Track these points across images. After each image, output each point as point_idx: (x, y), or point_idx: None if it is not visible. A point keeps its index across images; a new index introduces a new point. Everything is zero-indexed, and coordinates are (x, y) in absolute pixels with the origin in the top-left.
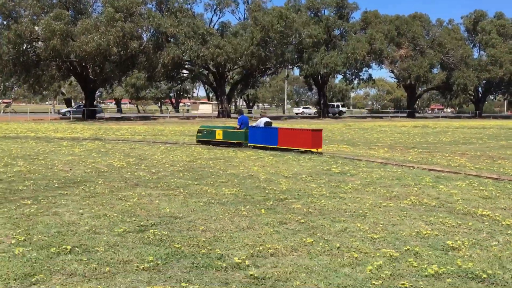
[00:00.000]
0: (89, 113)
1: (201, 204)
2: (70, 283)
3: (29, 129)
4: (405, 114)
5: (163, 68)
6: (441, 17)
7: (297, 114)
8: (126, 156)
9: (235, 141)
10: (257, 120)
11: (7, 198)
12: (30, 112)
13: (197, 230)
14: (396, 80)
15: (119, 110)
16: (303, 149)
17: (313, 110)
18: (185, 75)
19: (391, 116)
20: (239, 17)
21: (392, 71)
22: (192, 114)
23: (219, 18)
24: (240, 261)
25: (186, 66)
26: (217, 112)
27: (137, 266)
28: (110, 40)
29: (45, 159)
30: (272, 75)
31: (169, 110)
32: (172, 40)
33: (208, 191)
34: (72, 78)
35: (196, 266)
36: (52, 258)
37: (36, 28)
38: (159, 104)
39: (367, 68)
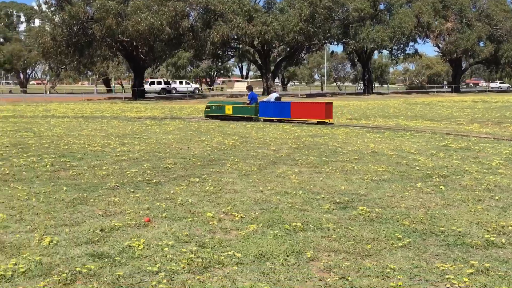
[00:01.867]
0: (140, 93)
1: (369, 181)
2: (333, 260)
3: (95, 109)
4: (448, 89)
5: (212, 47)
6: None
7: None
8: (225, 135)
9: (245, 116)
10: (268, 95)
11: (168, 176)
12: (74, 93)
13: (398, 207)
14: (440, 54)
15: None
16: (315, 120)
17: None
18: (230, 53)
19: (436, 91)
20: None
21: (437, 45)
22: (235, 92)
23: None
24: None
25: (232, 44)
26: (262, 90)
27: (393, 244)
28: (163, 19)
29: (150, 138)
30: (317, 51)
31: (202, 88)
32: (219, 18)
33: (356, 168)
34: (120, 58)
35: (447, 244)
36: (292, 234)
37: (88, 8)
38: (199, 83)
39: (413, 43)
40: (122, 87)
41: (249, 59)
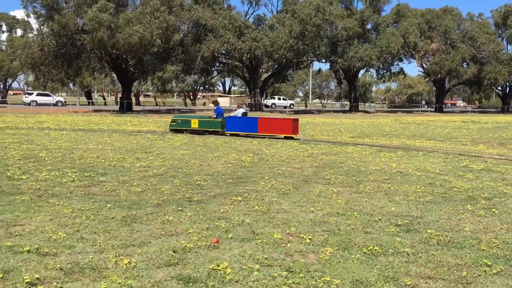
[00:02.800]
0: (127, 106)
1: (415, 202)
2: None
3: (88, 121)
4: (431, 109)
5: (202, 61)
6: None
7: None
8: (237, 151)
9: (211, 129)
10: (234, 111)
11: (206, 194)
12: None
13: (463, 231)
14: (424, 74)
15: (138, 103)
16: (282, 136)
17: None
18: (219, 68)
19: (421, 111)
20: (272, 10)
21: (422, 65)
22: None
23: (254, 11)
24: None
25: (221, 59)
26: (249, 106)
27: (486, 271)
28: (154, 31)
29: (163, 153)
30: (304, 69)
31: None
32: (210, 33)
33: (393, 188)
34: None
35: None
36: (373, 259)
37: (78, 19)
38: (183, 97)
39: (398, 62)
40: (104, 99)
41: (238, 74)
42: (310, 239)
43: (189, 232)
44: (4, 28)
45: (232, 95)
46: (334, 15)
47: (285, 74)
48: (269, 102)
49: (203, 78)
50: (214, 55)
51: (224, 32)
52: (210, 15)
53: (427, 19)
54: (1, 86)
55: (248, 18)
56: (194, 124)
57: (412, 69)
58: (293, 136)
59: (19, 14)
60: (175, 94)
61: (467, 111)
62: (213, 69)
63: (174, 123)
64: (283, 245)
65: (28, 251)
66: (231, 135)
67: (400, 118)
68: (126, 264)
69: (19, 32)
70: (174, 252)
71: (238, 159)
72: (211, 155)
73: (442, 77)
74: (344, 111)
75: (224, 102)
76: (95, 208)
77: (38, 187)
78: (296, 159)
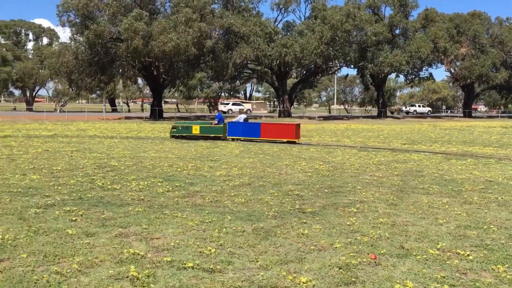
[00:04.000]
0: (159, 113)
1: None
2: None
3: (129, 129)
4: (458, 114)
5: (233, 68)
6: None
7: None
8: (301, 158)
9: (212, 135)
10: (236, 117)
11: (313, 204)
12: (84, 111)
13: None
14: (448, 79)
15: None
16: (285, 140)
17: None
18: (247, 74)
19: (450, 116)
20: (300, 16)
21: (450, 70)
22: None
23: (283, 17)
24: None
25: (250, 65)
26: (277, 112)
27: None
28: (188, 39)
29: (230, 161)
30: (333, 74)
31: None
32: (241, 40)
33: (500, 199)
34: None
35: None
36: None
37: (113, 28)
38: (209, 104)
39: (427, 67)
40: (128, 106)
41: (266, 80)
42: (468, 255)
43: (336, 247)
44: (30, 37)
45: (254, 101)
46: (364, 20)
47: (312, 80)
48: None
49: (229, 84)
50: (245, 62)
51: (255, 38)
52: (241, 21)
53: (456, 23)
54: (27, 93)
55: (277, 25)
56: (195, 130)
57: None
58: (296, 140)
59: (43, 22)
60: (196, 101)
61: (497, 116)
62: (242, 75)
63: (175, 130)
64: (446, 261)
65: (192, 268)
66: (233, 139)
67: (436, 124)
68: (305, 283)
69: (45, 40)
70: (340, 268)
71: (312, 167)
72: (281, 163)
73: (471, 82)
74: (372, 117)
75: (247, 107)
76: (217, 220)
77: (141, 197)
78: (369, 167)
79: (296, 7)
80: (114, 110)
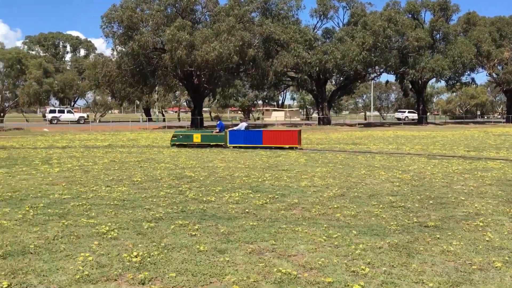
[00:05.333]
0: (200, 122)
1: None
2: None
3: None
4: (502, 120)
5: (273, 76)
6: None
7: (399, 119)
8: (374, 167)
9: (214, 143)
10: (237, 125)
11: (430, 217)
12: (121, 121)
13: None
14: (487, 84)
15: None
16: (287, 146)
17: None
18: (287, 82)
19: (493, 122)
20: (338, 23)
21: (491, 75)
22: (271, 121)
23: (322, 24)
24: None
25: (289, 73)
26: (317, 119)
27: None
28: (231, 48)
29: (304, 171)
30: (372, 81)
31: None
32: (281, 47)
33: None
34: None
35: None
36: None
37: (156, 38)
38: (245, 112)
39: (469, 72)
40: (163, 115)
41: (306, 88)
42: None
43: (497, 266)
44: (68, 48)
45: (287, 109)
46: (405, 25)
47: (351, 87)
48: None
49: (269, 92)
50: (286, 69)
51: (295, 45)
52: (280, 29)
53: (498, 27)
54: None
55: (317, 32)
56: (197, 138)
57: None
58: (297, 146)
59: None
60: (228, 110)
61: None
62: (281, 83)
63: (176, 138)
64: None
65: None
66: (234, 147)
67: (485, 129)
68: None
69: (82, 52)
70: None
71: (394, 176)
72: (358, 172)
73: None
74: (414, 123)
75: (279, 116)
76: (342, 235)
77: (246, 210)
78: (454, 176)
79: (334, 14)
80: (150, 120)
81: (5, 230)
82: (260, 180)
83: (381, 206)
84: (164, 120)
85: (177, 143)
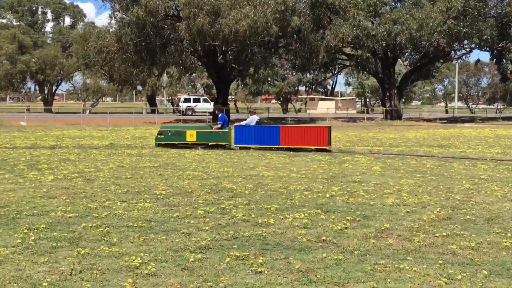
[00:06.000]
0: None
1: None
2: None
3: None
4: None
5: (325, 53)
6: None
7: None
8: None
9: (213, 143)
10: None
11: None
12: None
13: None
14: None
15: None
16: (313, 148)
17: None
18: (341, 62)
19: None
20: None
21: None
22: (317, 114)
23: None
24: None
25: (345, 49)
26: (383, 111)
27: None
28: (269, 15)
29: (384, 182)
30: (459, 60)
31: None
32: (335, 15)
33: None
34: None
35: None
36: None
37: (169, 2)
38: (282, 101)
39: None
40: (173, 105)
41: (369, 70)
42: None
43: None
44: (49, 15)
45: (339, 98)
46: None
47: (429, 69)
48: None
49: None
50: (341, 44)
51: (355, 12)
52: None
53: None
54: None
55: None
56: (191, 136)
57: None
58: (326, 147)
59: None
60: (259, 98)
61: None
62: (335, 62)
63: (163, 136)
64: None
65: None
66: (241, 148)
67: None
68: None
69: (67, 20)
70: None
71: (510, 192)
72: (459, 186)
73: None
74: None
75: (327, 107)
76: (468, 276)
77: (322, 238)
78: None
79: None
80: (154, 111)
81: (3, 260)
82: (327, 195)
83: (509, 235)
84: (174, 112)
85: (163, 142)
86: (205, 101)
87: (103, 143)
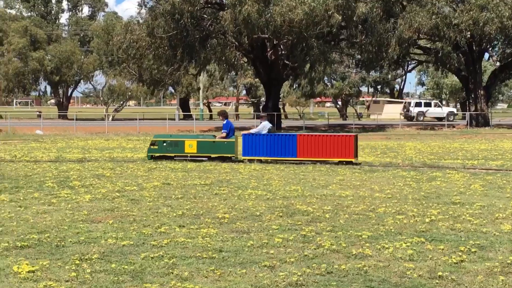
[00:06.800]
0: (276, 121)
1: None
2: None
3: None
4: None
5: (397, 46)
6: None
7: None
8: None
9: (216, 155)
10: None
11: None
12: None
13: None
14: None
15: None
16: (336, 160)
17: None
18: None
19: None
20: None
21: None
22: (383, 119)
23: None
24: None
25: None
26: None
27: None
28: (329, 2)
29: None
30: None
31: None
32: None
33: None
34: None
35: None
36: None
37: None
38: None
39: None
40: (210, 110)
41: (450, 66)
42: None
43: None
44: (64, 5)
45: (410, 99)
46: None
47: None
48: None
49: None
50: (417, 36)
51: None
52: None
53: None
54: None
55: None
56: (190, 147)
57: None
58: (352, 160)
59: None
60: (311, 102)
61: None
62: (407, 58)
63: (156, 147)
64: None
65: None
66: (250, 161)
67: None
68: None
69: (85, 10)
70: None
71: None
72: None
73: None
74: None
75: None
76: None
77: (438, 273)
78: None
79: None
80: (188, 117)
81: None
82: (427, 220)
83: None
84: (211, 117)
85: (157, 154)
86: (436, 105)
87: (136, 155)
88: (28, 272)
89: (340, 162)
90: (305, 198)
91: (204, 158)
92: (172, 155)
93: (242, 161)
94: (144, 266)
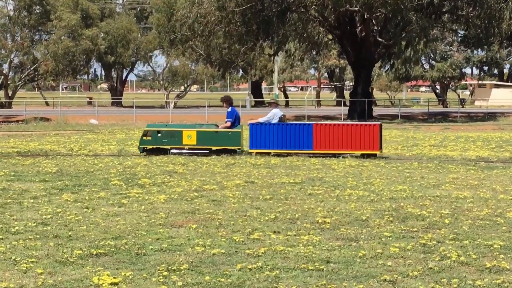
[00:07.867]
0: (368, 109)
1: None
2: None
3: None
4: None
5: (511, 20)
6: None
7: None
8: None
9: (219, 147)
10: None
11: None
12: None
13: None
14: None
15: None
16: (358, 153)
17: None
18: None
19: None
20: None
21: None
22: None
23: None
24: None
25: None
26: None
27: None
28: None
29: None
30: None
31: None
32: None
33: None
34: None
35: None
36: None
37: None
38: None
39: None
40: (286, 96)
41: None
42: None
43: None
44: None
45: None
46: None
47: None
48: None
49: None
50: None
51: None
52: None
53: None
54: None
55: None
56: (189, 138)
57: None
58: (376, 153)
59: None
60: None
61: None
62: None
63: (150, 139)
64: None
65: None
66: (258, 153)
67: None
68: None
69: None
70: None
71: None
72: None
73: None
74: None
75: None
76: None
77: None
78: None
79: None
80: (260, 104)
81: None
82: None
83: None
84: (287, 104)
85: (149, 146)
86: None
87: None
88: (111, 284)
89: (362, 155)
90: (416, 200)
91: (204, 151)
92: (168, 147)
93: (247, 153)
94: (242, 279)
